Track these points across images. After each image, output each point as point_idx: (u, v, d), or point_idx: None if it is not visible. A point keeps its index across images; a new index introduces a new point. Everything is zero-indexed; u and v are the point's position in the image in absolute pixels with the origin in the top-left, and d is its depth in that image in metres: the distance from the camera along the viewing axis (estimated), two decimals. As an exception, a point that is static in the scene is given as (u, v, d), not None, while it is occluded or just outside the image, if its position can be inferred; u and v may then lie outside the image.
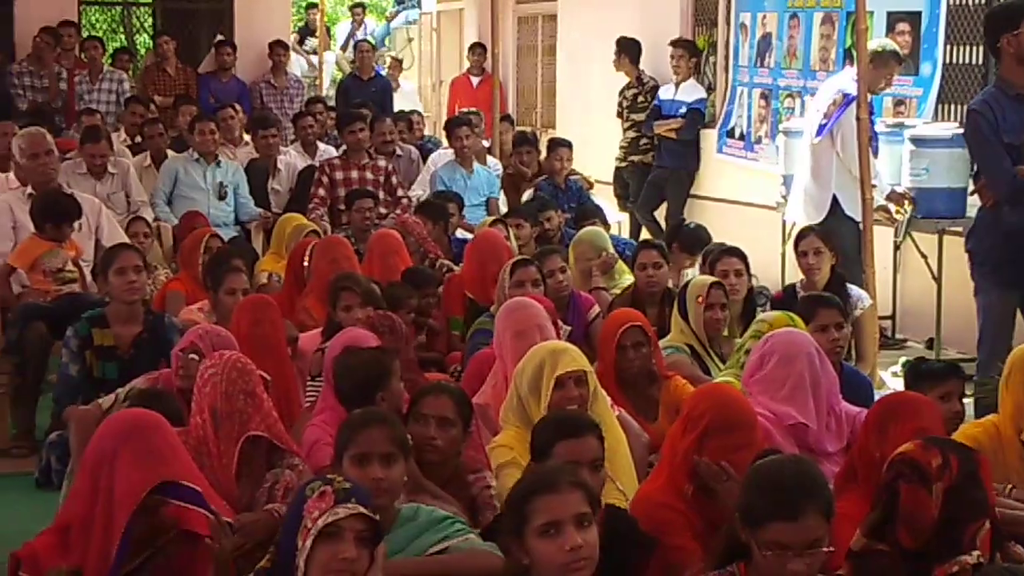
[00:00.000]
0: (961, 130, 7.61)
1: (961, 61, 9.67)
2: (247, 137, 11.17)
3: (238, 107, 11.67)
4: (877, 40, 8.59)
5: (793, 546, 3.18)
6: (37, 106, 12.36)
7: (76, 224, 7.41)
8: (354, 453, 3.73)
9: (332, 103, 13.65)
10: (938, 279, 8.69)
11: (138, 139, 11.24)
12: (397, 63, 12.51)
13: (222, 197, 9.81)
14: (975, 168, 7.14)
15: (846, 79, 8.05)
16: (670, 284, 7.03)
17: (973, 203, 7.27)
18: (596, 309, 6.98)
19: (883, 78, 8.23)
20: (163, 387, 5.09)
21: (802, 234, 7.28)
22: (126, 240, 7.73)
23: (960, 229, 7.47)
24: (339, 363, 4.76)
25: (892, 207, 8.34)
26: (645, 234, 11.17)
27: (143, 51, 15.77)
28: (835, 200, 8.26)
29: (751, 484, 3.38)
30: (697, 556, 3.75)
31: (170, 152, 10.42)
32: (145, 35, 16.50)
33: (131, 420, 3.74)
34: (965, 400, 4.89)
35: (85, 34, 14.50)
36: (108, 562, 3.42)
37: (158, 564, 3.55)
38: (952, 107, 9.37)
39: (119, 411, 4.48)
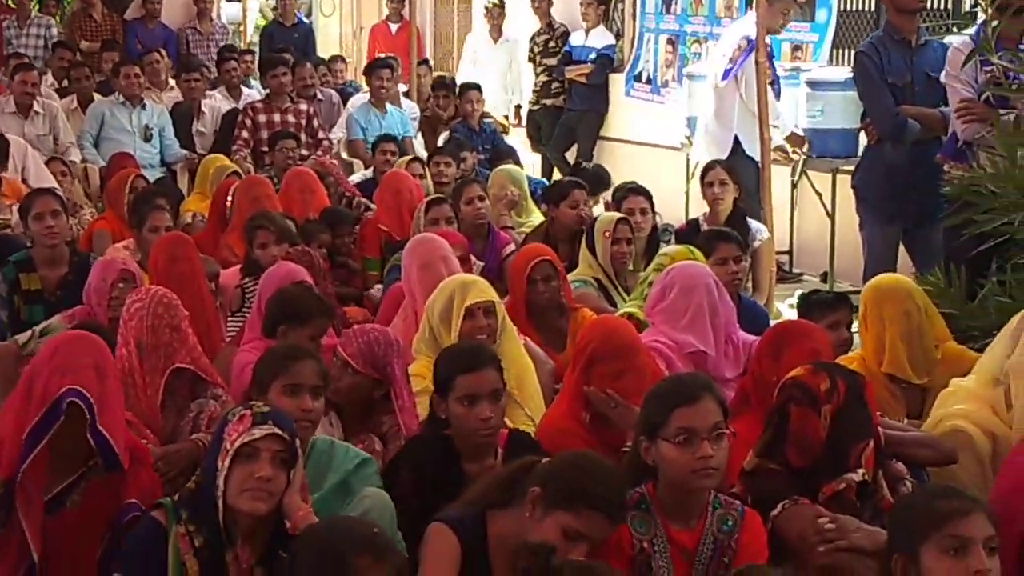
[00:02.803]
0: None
1: (854, 8, 9.73)
2: (173, 82, 11.04)
3: (163, 52, 11.51)
4: (775, -19, 8.61)
5: (698, 429, 3.21)
6: (-39, 51, 12.14)
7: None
8: (286, 383, 3.68)
9: (255, 49, 13.54)
10: (832, 216, 8.77)
11: (65, 83, 11.11)
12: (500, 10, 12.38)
13: (148, 139, 9.76)
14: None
15: (748, 24, 8.06)
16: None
17: (864, 143, 7.31)
18: (511, 247, 6.98)
19: (780, 15, 8.25)
20: (94, 320, 5.02)
21: (708, 167, 7.32)
22: (52, 181, 7.64)
23: (851, 168, 7.52)
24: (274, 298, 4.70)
25: (788, 147, 8.38)
26: (557, 174, 11.16)
27: (70, -2, 15.48)
28: (736, 140, 8.33)
29: (650, 397, 3.40)
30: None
31: (96, 96, 10.32)
32: (72, -19, 16.17)
33: (72, 336, 3.69)
34: (853, 329, 4.92)
35: (13, -20, 14.19)
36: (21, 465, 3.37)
37: (91, 482, 3.49)
38: (846, 52, 9.40)
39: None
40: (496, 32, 12.40)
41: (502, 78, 12.64)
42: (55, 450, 3.40)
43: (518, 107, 12.58)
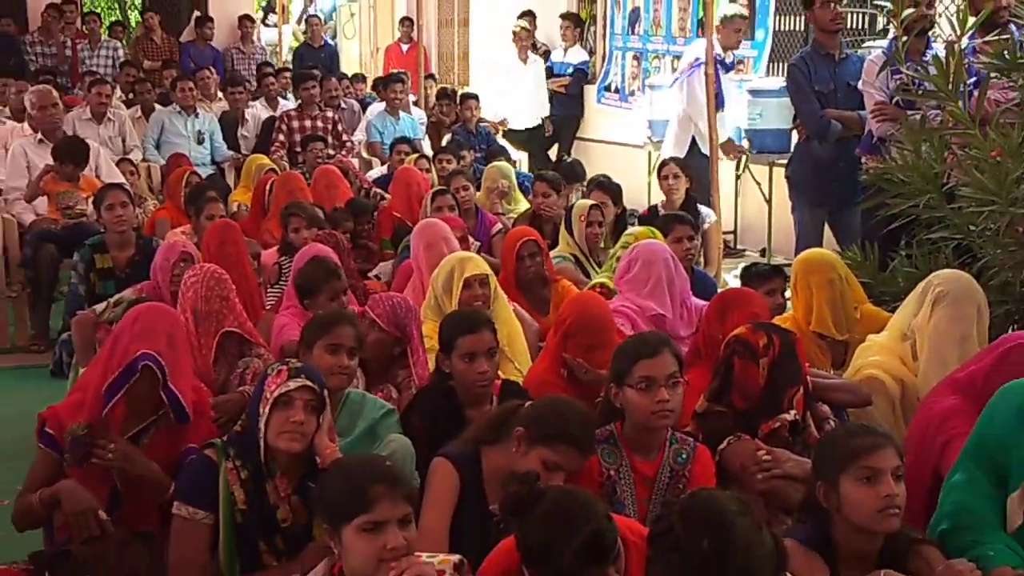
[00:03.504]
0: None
1: (788, 28, 9.70)
2: (221, 94, 10.99)
3: (213, 70, 11.46)
4: (724, 8, 8.58)
5: (657, 378, 3.21)
6: (46, 69, 12.08)
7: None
8: (328, 343, 3.66)
9: (290, 66, 13.46)
10: (769, 201, 8.77)
11: (131, 96, 11.06)
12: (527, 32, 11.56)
13: (200, 142, 9.71)
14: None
15: (700, 48, 8.02)
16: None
17: (796, 140, 7.30)
18: (498, 227, 7.01)
19: (734, 33, 8.30)
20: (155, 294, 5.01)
21: (664, 163, 7.31)
22: (120, 177, 7.65)
23: (785, 161, 7.50)
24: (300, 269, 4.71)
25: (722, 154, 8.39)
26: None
27: (134, 24, 15.39)
28: (693, 141, 8.32)
29: (618, 351, 3.39)
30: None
31: (157, 106, 10.27)
32: (136, 11, 16.10)
33: (152, 306, 3.68)
34: (787, 295, 4.92)
35: (86, 10, 14.13)
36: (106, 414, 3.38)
37: (160, 429, 3.49)
38: (781, 65, 9.37)
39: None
40: (524, 54, 11.57)
41: (530, 94, 11.77)
42: (132, 402, 3.41)
43: (545, 118, 11.77)
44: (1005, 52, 4.63)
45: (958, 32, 4.70)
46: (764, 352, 3.45)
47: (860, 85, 6.12)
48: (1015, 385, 2.99)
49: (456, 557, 2.63)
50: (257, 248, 6.17)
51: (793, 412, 3.47)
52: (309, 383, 3.13)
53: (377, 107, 10.63)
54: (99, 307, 5.09)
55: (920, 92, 5.00)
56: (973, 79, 4.81)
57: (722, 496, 2.42)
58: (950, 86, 4.61)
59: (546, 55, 11.76)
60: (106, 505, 3.36)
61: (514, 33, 11.58)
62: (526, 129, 11.64)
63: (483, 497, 3.19)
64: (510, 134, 11.42)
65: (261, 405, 3.11)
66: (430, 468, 3.23)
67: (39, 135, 7.75)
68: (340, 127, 9.84)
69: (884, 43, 6.14)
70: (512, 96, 11.38)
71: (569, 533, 2.44)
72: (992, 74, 4.68)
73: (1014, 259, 4.34)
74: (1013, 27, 5.11)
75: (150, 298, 4.71)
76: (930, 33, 5.74)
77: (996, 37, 4.91)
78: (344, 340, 3.68)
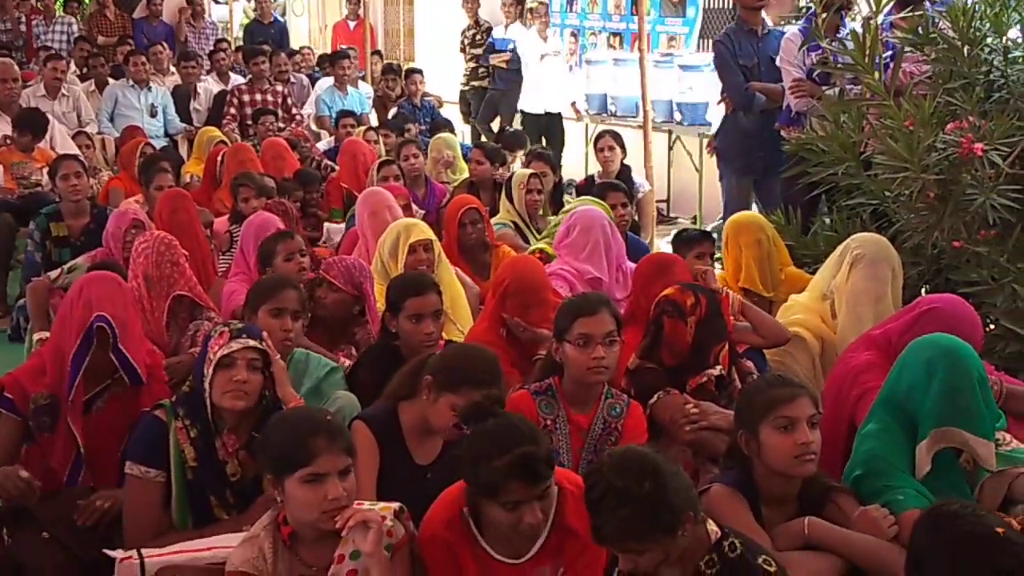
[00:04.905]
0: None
1: (716, 6, 9.71)
2: (174, 69, 10.80)
3: (165, 45, 11.26)
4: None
5: (594, 335, 3.22)
6: (1, 44, 11.79)
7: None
8: (272, 307, 3.63)
9: (240, 42, 13.27)
10: (699, 171, 8.80)
11: (85, 70, 10.86)
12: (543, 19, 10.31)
13: (153, 115, 9.58)
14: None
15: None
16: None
17: (722, 113, 7.31)
18: (447, 198, 6.94)
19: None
20: (111, 259, 4.93)
21: (600, 135, 7.29)
22: (75, 149, 7.53)
23: (714, 133, 7.53)
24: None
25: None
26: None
27: (88, 0, 15.01)
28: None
29: (560, 309, 3.39)
30: (515, 378, 3.75)
31: (111, 80, 10.08)
32: (89, -12, 15.67)
33: (95, 275, 3.62)
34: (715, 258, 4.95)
35: (40, -15, 13.77)
36: (67, 381, 3.35)
37: (115, 392, 3.46)
38: (710, 41, 9.37)
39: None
40: (543, 33, 10.46)
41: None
42: (86, 367, 3.37)
43: (573, 103, 10.49)
44: (919, 28, 4.67)
45: (874, 9, 4.73)
46: (691, 311, 3.49)
47: (778, 62, 6.15)
48: (923, 341, 3.03)
49: (396, 505, 2.64)
50: (209, 217, 6.11)
51: (719, 367, 3.52)
52: (251, 342, 3.11)
53: (326, 82, 10.51)
54: (53, 274, 5.03)
55: (838, 66, 5.03)
56: (889, 53, 4.84)
57: (642, 448, 2.52)
58: (867, 60, 4.64)
59: (488, 32, 11.66)
60: (71, 468, 3.36)
61: (531, 10, 10.69)
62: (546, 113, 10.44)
63: (406, 451, 3.13)
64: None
65: (205, 366, 3.08)
66: (351, 431, 3.15)
67: (-4, 107, 7.62)
68: (290, 101, 9.72)
69: (799, 23, 6.18)
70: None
71: (503, 449, 2.49)
72: (906, 48, 4.72)
73: (926, 223, 4.39)
74: (928, 3, 5.16)
75: (107, 263, 4.65)
76: (848, 11, 5.77)
77: (911, 13, 4.95)
78: (288, 304, 3.66)
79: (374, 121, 10.05)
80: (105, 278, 3.55)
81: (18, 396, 3.37)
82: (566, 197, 6.95)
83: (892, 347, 3.33)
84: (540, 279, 4.17)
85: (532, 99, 10.29)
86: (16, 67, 7.95)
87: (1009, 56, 4.39)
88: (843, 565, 2.75)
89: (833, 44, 5.07)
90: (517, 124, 10.52)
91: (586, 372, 3.25)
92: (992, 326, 4.25)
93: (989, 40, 4.45)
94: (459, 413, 2.70)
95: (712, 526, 2.46)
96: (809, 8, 6.09)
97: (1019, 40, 4.48)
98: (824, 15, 5.20)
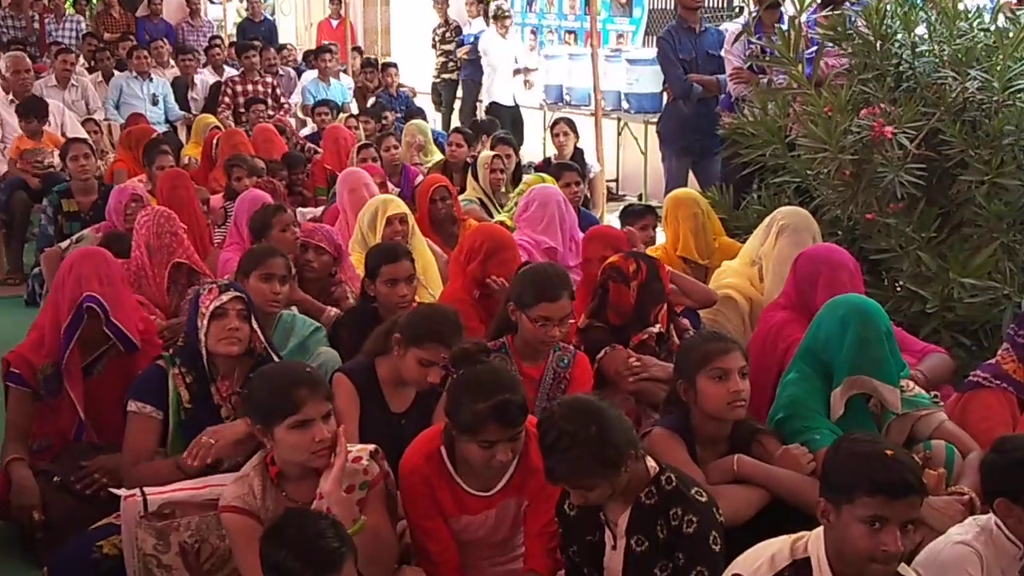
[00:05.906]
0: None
1: (660, 7, 9.70)
2: (173, 62, 10.65)
3: (165, 41, 11.12)
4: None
5: (552, 318, 3.22)
6: (16, 39, 11.57)
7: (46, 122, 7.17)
8: (262, 272, 3.61)
9: (234, 38, 13.09)
10: (645, 153, 8.83)
11: (92, 63, 10.65)
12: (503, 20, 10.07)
13: (155, 103, 9.45)
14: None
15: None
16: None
17: (665, 101, 7.33)
18: (420, 178, 6.89)
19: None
20: (117, 231, 4.90)
21: (556, 121, 7.30)
22: (83, 133, 7.44)
23: (657, 119, 7.53)
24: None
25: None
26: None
27: (95, 0, 14.77)
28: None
29: (523, 279, 3.36)
30: (480, 333, 3.75)
31: (116, 72, 9.93)
32: (96, -12, 15.39)
33: (83, 253, 3.59)
34: (657, 230, 4.97)
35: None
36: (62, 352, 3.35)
37: (110, 359, 3.46)
38: (655, 38, 9.37)
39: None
40: (503, 30, 10.17)
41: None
42: (82, 338, 3.38)
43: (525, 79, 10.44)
44: (838, 26, 4.68)
45: (799, 8, 4.74)
46: (633, 276, 3.51)
47: (722, 53, 6.15)
48: (839, 299, 3.06)
49: (371, 446, 2.65)
50: (206, 194, 6.07)
51: (658, 326, 3.54)
52: (239, 294, 3.12)
53: (311, 74, 10.41)
54: (63, 244, 5.01)
55: (768, 59, 5.04)
56: (814, 47, 4.85)
57: (588, 396, 2.57)
58: (792, 54, 4.65)
59: (457, 30, 11.57)
60: (75, 431, 3.38)
61: (495, 17, 10.46)
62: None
63: (383, 401, 3.14)
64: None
65: (199, 319, 3.07)
66: (332, 383, 3.12)
67: (10, 96, 7.56)
68: (278, 91, 9.61)
69: (742, 19, 6.18)
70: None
71: (484, 394, 2.51)
72: (827, 43, 4.73)
73: (842, 198, 4.42)
74: (847, 3, 5.16)
75: (117, 234, 4.66)
76: (782, 8, 5.77)
77: (831, 12, 4.95)
78: (276, 269, 3.64)
79: (355, 110, 9.95)
80: (94, 254, 3.53)
81: (25, 370, 3.37)
82: (525, 176, 6.92)
83: (794, 302, 3.42)
84: (510, 238, 4.21)
85: (502, 91, 10.15)
86: (28, 59, 7.85)
87: (916, 50, 4.41)
88: (767, 496, 2.78)
89: (762, 39, 5.07)
90: (481, 113, 10.45)
91: (539, 344, 3.27)
92: (899, 288, 4.30)
93: (899, 36, 4.47)
94: (449, 359, 2.69)
95: (651, 463, 2.48)
96: (741, 7, 6.09)
97: (925, 36, 4.50)
98: (754, 11, 5.20)
